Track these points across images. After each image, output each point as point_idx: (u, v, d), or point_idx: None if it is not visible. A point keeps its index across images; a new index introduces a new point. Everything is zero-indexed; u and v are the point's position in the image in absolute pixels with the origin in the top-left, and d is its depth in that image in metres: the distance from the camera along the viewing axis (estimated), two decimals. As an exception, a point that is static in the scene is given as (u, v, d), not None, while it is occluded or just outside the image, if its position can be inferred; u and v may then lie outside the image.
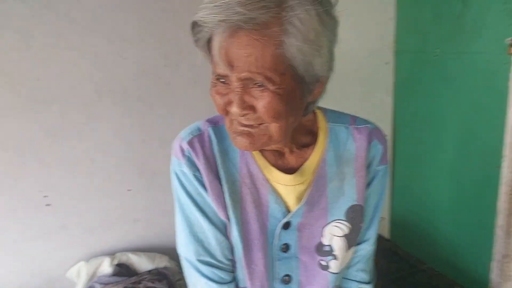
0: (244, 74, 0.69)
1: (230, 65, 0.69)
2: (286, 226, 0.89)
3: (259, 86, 0.71)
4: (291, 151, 0.88)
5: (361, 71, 2.14)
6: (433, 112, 1.98)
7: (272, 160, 0.88)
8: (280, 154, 0.88)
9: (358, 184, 0.90)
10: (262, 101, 0.72)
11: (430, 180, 2.06)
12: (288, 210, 0.88)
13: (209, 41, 0.73)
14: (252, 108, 0.73)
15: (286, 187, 0.87)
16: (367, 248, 0.97)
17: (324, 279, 0.93)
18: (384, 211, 2.37)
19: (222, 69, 0.71)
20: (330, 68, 0.80)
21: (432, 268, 1.95)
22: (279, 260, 0.91)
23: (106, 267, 1.70)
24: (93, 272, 1.69)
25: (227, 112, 0.75)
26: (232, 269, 0.94)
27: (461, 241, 1.92)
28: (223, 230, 0.89)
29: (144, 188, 1.79)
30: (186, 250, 0.90)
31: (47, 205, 1.64)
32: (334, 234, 0.90)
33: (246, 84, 0.72)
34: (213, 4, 0.66)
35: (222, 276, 0.91)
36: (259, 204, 0.88)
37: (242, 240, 0.87)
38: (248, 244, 0.88)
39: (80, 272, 1.70)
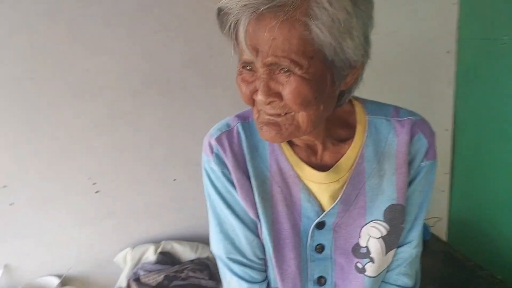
0: (269, 59, 0.66)
1: (255, 50, 0.66)
2: (320, 226, 0.85)
3: (286, 71, 0.68)
4: (325, 147, 0.83)
5: (420, 61, 2.01)
6: (498, 105, 1.81)
7: (304, 157, 0.84)
8: (313, 151, 0.84)
9: (398, 182, 0.83)
10: (289, 87, 0.68)
11: (493, 178, 1.90)
12: (321, 209, 0.84)
13: (235, 28, 0.70)
14: (278, 95, 0.69)
15: (320, 185, 0.82)
16: (409, 251, 0.89)
17: (360, 282, 0.88)
18: (441, 211, 2.23)
19: (247, 55, 0.68)
20: (365, 54, 0.75)
21: (492, 274, 1.79)
22: (313, 261, 0.87)
23: (150, 254, 1.73)
24: (138, 259, 1.73)
25: (253, 102, 0.73)
26: (264, 268, 0.91)
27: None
28: (254, 228, 0.87)
29: (189, 178, 1.80)
30: (217, 248, 0.89)
31: (96, 192, 1.69)
32: (371, 235, 0.85)
33: (272, 70, 0.68)
34: None
35: (253, 275, 0.89)
36: (290, 203, 0.84)
37: (272, 239, 0.85)
38: (279, 244, 0.85)
39: (126, 258, 1.75)
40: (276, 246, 0.85)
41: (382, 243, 0.85)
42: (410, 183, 0.85)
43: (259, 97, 0.69)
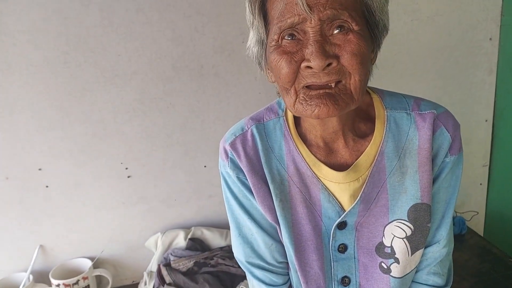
0: (328, 12, 0.63)
1: (309, 6, 0.63)
2: (342, 226, 0.82)
3: (340, 30, 0.65)
4: (346, 143, 0.80)
5: (460, 47, 1.93)
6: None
7: (322, 157, 0.81)
8: (331, 149, 0.81)
9: (422, 180, 0.79)
10: (349, 45, 0.65)
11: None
12: (342, 209, 0.81)
13: (263, 5, 0.69)
14: (336, 57, 0.65)
15: (339, 185, 0.79)
16: (438, 250, 0.85)
17: (386, 283, 0.84)
18: (479, 205, 2.15)
19: (293, 17, 0.64)
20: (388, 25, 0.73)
21: (531, 271, 1.72)
22: (336, 261, 0.85)
23: (180, 240, 1.74)
24: (168, 244, 1.75)
25: (294, 78, 0.68)
26: (285, 271, 0.90)
27: None
28: (273, 232, 0.86)
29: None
30: (237, 252, 0.89)
31: (128, 176, 1.71)
32: (395, 235, 0.82)
33: (324, 30, 0.65)
34: None
35: (274, 279, 0.89)
36: (310, 203, 0.82)
37: (293, 242, 0.83)
38: (300, 246, 0.84)
39: (157, 243, 1.76)
40: (298, 248, 0.83)
41: (407, 243, 0.81)
42: (434, 180, 0.81)
43: (314, 61, 0.63)
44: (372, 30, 0.71)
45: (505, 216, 2.03)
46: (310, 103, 0.67)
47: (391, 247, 0.82)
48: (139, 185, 1.73)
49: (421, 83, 1.92)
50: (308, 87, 0.68)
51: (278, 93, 0.79)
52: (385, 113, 0.80)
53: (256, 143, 0.82)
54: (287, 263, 0.90)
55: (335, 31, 0.65)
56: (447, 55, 1.92)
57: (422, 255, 0.85)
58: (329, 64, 0.65)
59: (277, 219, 0.83)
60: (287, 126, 0.82)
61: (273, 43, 0.68)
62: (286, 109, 0.84)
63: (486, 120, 2.05)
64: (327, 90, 0.67)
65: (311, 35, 0.65)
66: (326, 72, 0.65)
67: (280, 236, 0.85)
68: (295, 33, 0.66)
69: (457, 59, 1.94)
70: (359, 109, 0.80)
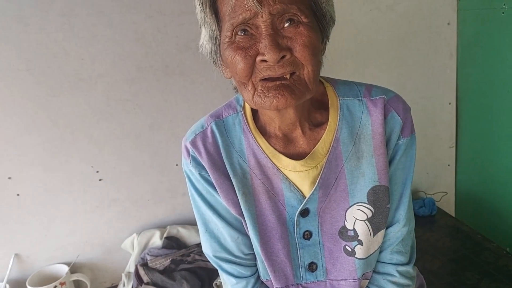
0: (278, 6, 0.65)
1: (258, 1, 0.64)
2: (305, 213, 0.84)
3: (290, 23, 0.67)
4: (304, 132, 0.82)
5: (420, 33, 1.99)
6: (500, 75, 1.78)
7: (281, 148, 0.83)
8: (289, 140, 0.83)
9: (378, 163, 0.82)
10: (300, 37, 0.67)
11: (498, 150, 1.88)
12: (304, 197, 0.83)
13: (214, 3, 0.70)
14: (289, 49, 0.67)
15: (299, 174, 0.81)
16: (398, 229, 0.88)
17: (351, 265, 0.87)
18: (448, 186, 2.21)
19: (244, 13, 0.66)
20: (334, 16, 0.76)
21: (500, 247, 1.79)
22: (302, 248, 0.87)
23: (156, 239, 1.75)
24: (144, 244, 1.76)
25: (251, 73, 0.69)
26: (252, 263, 0.92)
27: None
28: (238, 226, 0.88)
29: (191, 162, 1.80)
30: (205, 247, 0.91)
31: (100, 180, 1.71)
32: (356, 218, 0.84)
33: (275, 24, 0.67)
34: None
35: (242, 271, 0.91)
36: (273, 194, 0.84)
37: (258, 233, 0.85)
38: (265, 236, 0.85)
39: (133, 244, 1.77)
40: (263, 238, 0.85)
41: (369, 225, 0.84)
42: (390, 163, 0.84)
43: (269, 55, 0.65)
44: (320, 21, 0.73)
45: (474, 195, 2.09)
46: (268, 95, 0.69)
47: (354, 229, 0.84)
48: (111, 187, 1.73)
49: (385, 71, 1.96)
50: (264, 79, 0.69)
51: (235, 89, 0.81)
52: (338, 101, 0.82)
53: (216, 139, 0.83)
54: (254, 254, 0.91)
55: (286, 24, 0.67)
56: (408, 42, 1.97)
57: (384, 236, 0.88)
58: (283, 57, 0.67)
59: (242, 212, 0.84)
60: (245, 121, 0.83)
61: (227, 39, 0.69)
62: (244, 104, 0.85)
63: (450, 103, 2.11)
64: (283, 82, 0.68)
65: (263, 29, 0.66)
66: (280, 65, 0.67)
67: (245, 228, 0.87)
68: (248, 28, 0.67)
69: (418, 46, 1.99)
70: (313, 99, 0.82)
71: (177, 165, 1.79)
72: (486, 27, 1.81)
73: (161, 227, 1.81)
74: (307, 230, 0.85)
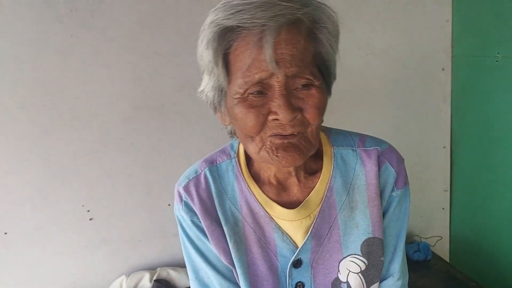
0: (293, 69, 0.66)
1: (275, 63, 0.65)
2: (297, 264, 0.82)
3: (303, 86, 0.69)
4: (299, 181, 0.82)
5: (415, 78, 2.00)
6: (493, 120, 1.79)
7: (274, 196, 0.82)
8: (283, 187, 0.83)
9: (372, 214, 0.82)
10: (312, 99, 0.69)
11: (493, 194, 1.87)
12: (296, 247, 0.82)
13: (225, 55, 0.69)
14: (300, 110, 0.69)
15: (292, 223, 0.81)
16: (392, 283, 0.87)
17: None
18: (443, 230, 2.19)
19: (260, 73, 0.66)
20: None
21: (495, 295, 1.76)
22: None
23: (146, 282, 1.71)
24: (133, 287, 1.71)
25: (260, 129, 0.70)
26: None
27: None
28: (229, 274, 0.85)
29: (184, 203, 1.78)
30: None
31: (90, 219, 1.68)
32: (350, 270, 0.83)
33: (288, 85, 0.68)
34: (253, 5, 0.64)
35: None
36: (265, 243, 0.82)
37: (249, 283, 0.82)
38: (256, 286, 0.83)
39: (121, 286, 1.72)
40: None
41: (362, 278, 0.83)
42: (383, 215, 0.84)
43: (282, 115, 0.66)
44: (326, 80, 0.75)
45: (469, 240, 2.07)
46: (276, 154, 0.70)
47: (347, 282, 0.83)
48: (101, 227, 1.70)
49: (379, 114, 1.97)
50: (273, 135, 0.71)
51: (230, 134, 0.82)
52: (332, 150, 0.83)
53: (209, 185, 0.83)
54: None
55: (299, 86, 0.69)
56: (402, 85, 1.99)
57: None
58: (295, 117, 0.68)
59: (232, 261, 0.82)
60: (239, 167, 0.84)
61: (238, 96, 0.69)
62: (238, 151, 0.86)
63: (444, 147, 2.12)
64: (290, 140, 0.70)
65: (277, 89, 0.67)
66: (291, 124, 0.68)
67: (236, 278, 0.85)
68: (261, 88, 0.68)
69: (412, 89, 2.01)
70: None
71: (169, 205, 1.77)
72: (480, 74, 1.83)
73: (151, 269, 1.76)
74: (299, 282, 0.83)
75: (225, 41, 0.68)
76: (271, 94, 0.68)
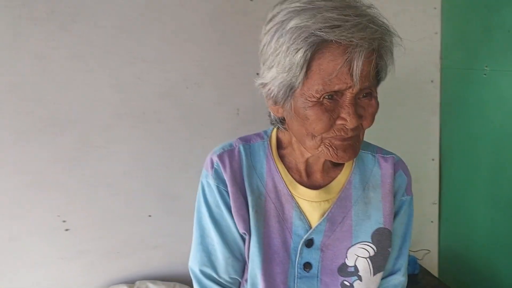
0: (367, 83, 0.75)
1: (357, 79, 0.73)
2: (309, 244, 0.90)
3: (366, 95, 0.78)
4: (323, 169, 0.92)
5: (404, 90, 1.98)
6: (481, 133, 1.77)
7: (298, 178, 0.91)
8: (307, 173, 0.92)
9: (385, 208, 0.92)
10: (371, 109, 0.79)
11: (482, 209, 1.84)
12: (311, 227, 0.90)
13: (310, 60, 0.75)
14: (361, 118, 0.78)
15: (311, 204, 0.89)
16: (398, 278, 0.98)
17: None
18: (431, 243, 2.16)
19: (340, 84, 0.74)
20: None
21: (484, 312, 1.72)
22: (300, 279, 0.91)
23: (124, 295, 1.64)
24: (111, 301, 1.64)
25: (327, 131, 0.78)
26: None
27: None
28: (234, 247, 0.92)
29: (165, 213, 1.73)
30: (193, 259, 0.94)
31: (66, 230, 1.62)
32: (358, 255, 0.91)
33: (356, 96, 0.77)
34: (350, 23, 0.71)
35: None
36: (283, 219, 0.90)
37: (262, 252, 0.89)
38: (267, 257, 0.89)
39: (98, 300, 1.65)
40: (265, 259, 0.89)
41: (370, 263, 0.91)
42: (395, 215, 0.94)
43: (351, 122, 0.76)
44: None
45: (457, 253, 2.04)
46: (336, 152, 0.80)
47: (355, 266, 0.91)
48: (78, 238, 1.63)
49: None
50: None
51: (273, 122, 0.92)
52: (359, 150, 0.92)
53: (241, 158, 0.92)
54: (239, 281, 0.96)
55: (362, 96, 0.78)
56: (392, 97, 1.96)
57: (384, 282, 0.96)
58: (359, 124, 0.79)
59: (249, 229, 0.89)
60: (270, 149, 0.93)
61: (313, 99, 0.76)
62: (271, 135, 0.95)
63: (433, 159, 2.09)
64: (349, 142, 0.80)
65: (348, 98, 0.76)
66: (353, 129, 0.78)
67: (245, 248, 0.91)
68: (335, 95, 0.76)
69: (402, 101, 1.99)
70: None
71: (150, 216, 1.71)
72: (469, 86, 1.82)
73: (130, 282, 1.70)
74: (308, 262, 0.90)
75: (316, 49, 0.73)
76: (342, 101, 0.76)
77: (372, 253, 0.90)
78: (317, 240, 0.89)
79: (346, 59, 0.72)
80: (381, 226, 0.91)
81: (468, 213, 1.94)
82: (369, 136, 0.97)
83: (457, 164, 1.98)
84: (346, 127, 0.77)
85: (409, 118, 2.02)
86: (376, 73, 0.79)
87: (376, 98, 0.80)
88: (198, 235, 0.93)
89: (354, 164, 0.94)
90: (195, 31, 1.65)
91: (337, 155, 0.80)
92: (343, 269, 0.91)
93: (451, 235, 2.09)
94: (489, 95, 1.71)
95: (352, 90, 0.75)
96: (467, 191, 1.94)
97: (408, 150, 2.02)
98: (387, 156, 0.96)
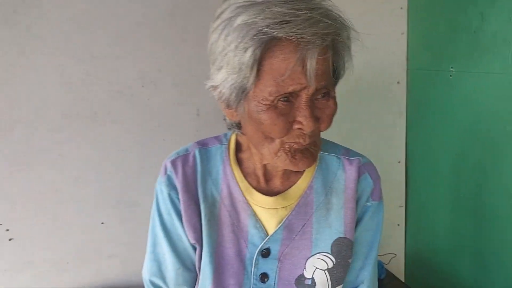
0: (323, 83, 0.72)
1: (312, 78, 0.69)
2: (266, 254, 0.86)
3: (323, 96, 0.74)
4: (283, 174, 0.87)
5: (370, 91, 1.95)
6: (447, 135, 1.76)
7: (255, 184, 0.88)
8: (266, 178, 0.88)
9: (346, 216, 0.88)
10: (329, 110, 0.75)
11: (449, 212, 1.82)
12: (267, 235, 0.86)
13: (260, 60, 0.70)
14: (318, 120, 0.74)
15: (268, 211, 0.86)
16: None
17: None
18: (397, 247, 2.14)
19: (295, 85, 0.70)
20: None
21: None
22: None
23: (74, 309, 1.54)
24: (60, 315, 1.54)
25: (284, 136, 0.74)
26: None
27: (487, 285, 1.66)
28: (184, 257, 0.89)
29: (120, 221, 1.63)
30: (145, 268, 0.92)
31: (10, 239, 1.50)
32: (316, 267, 0.87)
33: (312, 97, 0.73)
34: (301, 18, 0.66)
35: None
36: (237, 228, 0.87)
37: (213, 263, 0.86)
38: (219, 268, 0.86)
39: (47, 314, 1.54)
40: (217, 270, 0.86)
41: (328, 275, 0.87)
42: (358, 222, 0.89)
43: (308, 126, 0.71)
44: None
45: (423, 257, 2.03)
46: (295, 157, 0.76)
47: (312, 278, 0.87)
48: (24, 248, 1.53)
49: (333, 126, 1.85)
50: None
51: (230, 127, 0.87)
52: (318, 154, 0.87)
53: (196, 164, 0.88)
54: None
55: (319, 96, 0.74)
56: (358, 98, 1.92)
57: None
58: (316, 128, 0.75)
59: (201, 239, 0.86)
60: (227, 154, 0.89)
61: (267, 102, 0.72)
62: (230, 139, 0.91)
63: (399, 162, 2.07)
64: (306, 147, 0.76)
65: (303, 99, 0.72)
66: (311, 135, 0.74)
67: (197, 258, 0.88)
68: (290, 97, 0.72)
69: (368, 103, 1.95)
70: None
71: (102, 223, 1.61)
72: (435, 88, 1.80)
73: (82, 294, 1.60)
74: (264, 273, 0.86)
75: (266, 47, 0.69)
76: (297, 103, 0.72)
77: (331, 265, 0.87)
78: (274, 249, 0.86)
79: (298, 57, 0.68)
80: (341, 235, 0.87)
81: (433, 216, 1.93)
82: (333, 138, 0.94)
83: (423, 166, 1.97)
84: (304, 132, 0.73)
85: (375, 119, 1.98)
86: (333, 71, 0.76)
87: (334, 98, 0.76)
88: (151, 243, 0.90)
89: (316, 167, 0.89)
90: (152, 26, 1.56)
91: (295, 159, 0.77)
92: (300, 281, 0.87)
93: (417, 238, 2.08)
94: (455, 97, 1.69)
95: (308, 90, 0.71)
96: (432, 194, 1.92)
97: (374, 152, 1.97)
98: (353, 158, 0.91)
